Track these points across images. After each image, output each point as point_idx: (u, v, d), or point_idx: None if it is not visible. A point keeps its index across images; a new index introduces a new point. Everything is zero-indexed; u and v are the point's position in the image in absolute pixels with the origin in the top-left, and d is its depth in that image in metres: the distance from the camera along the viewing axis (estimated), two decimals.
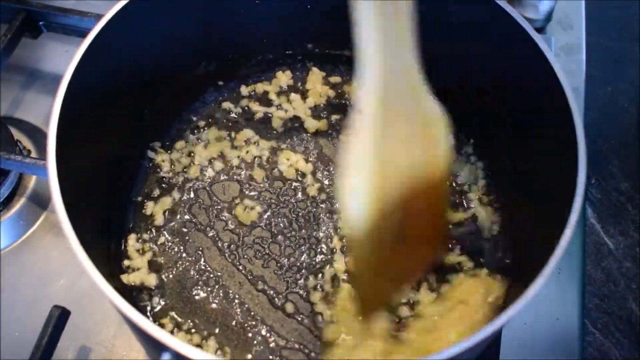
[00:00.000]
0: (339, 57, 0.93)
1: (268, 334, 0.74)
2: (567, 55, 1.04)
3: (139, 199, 0.84)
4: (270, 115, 0.91)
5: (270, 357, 0.73)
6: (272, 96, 0.93)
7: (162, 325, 0.74)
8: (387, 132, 0.59)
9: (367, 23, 0.55)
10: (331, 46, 0.92)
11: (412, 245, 0.69)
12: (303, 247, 0.80)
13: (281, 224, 0.82)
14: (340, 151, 0.59)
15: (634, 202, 1.75)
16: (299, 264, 0.79)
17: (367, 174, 0.59)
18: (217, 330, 0.74)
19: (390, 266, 0.67)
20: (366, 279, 0.68)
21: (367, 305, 0.70)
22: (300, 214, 0.83)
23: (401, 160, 0.62)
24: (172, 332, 0.74)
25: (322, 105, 0.92)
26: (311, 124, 0.90)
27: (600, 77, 1.88)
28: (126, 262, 0.78)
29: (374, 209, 0.61)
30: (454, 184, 0.85)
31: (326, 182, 0.85)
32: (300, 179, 0.86)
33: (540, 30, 1.05)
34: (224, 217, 0.83)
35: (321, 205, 0.83)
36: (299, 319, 0.75)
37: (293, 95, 0.93)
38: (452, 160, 0.67)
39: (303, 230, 0.82)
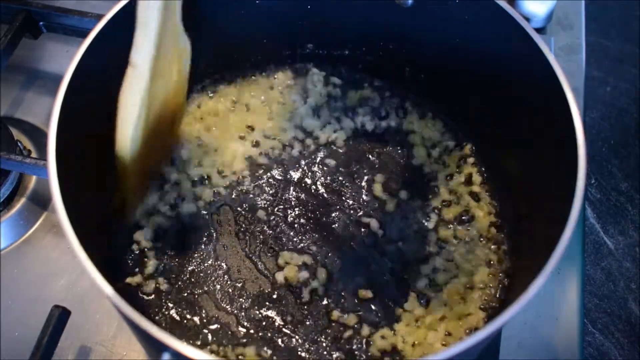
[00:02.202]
0: (339, 57, 0.93)
1: (268, 342, 0.74)
2: (567, 55, 1.04)
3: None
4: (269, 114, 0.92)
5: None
6: (273, 95, 0.93)
7: (162, 325, 0.74)
8: (156, 76, 0.70)
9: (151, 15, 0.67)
10: (331, 46, 0.92)
11: (163, 135, 0.82)
12: (314, 235, 0.81)
13: (288, 217, 0.83)
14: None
15: (633, 202, 1.75)
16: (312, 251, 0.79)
17: (141, 118, 0.70)
18: (217, 330, 0.75)
19: (146, 159, 0.78)
20: (133, 179, 0.78)
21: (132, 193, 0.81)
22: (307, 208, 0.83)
23: (162, 88, 0.74)
24: (172, 332, 0.74)
25: (322, 105, 0.92)
26: (312, 124, 0.90)
27: (600, 77, 1.88)
28: (126, 262, 0.78)
29: (143, 137, 0.73)
30: (451, 183, 0.85)
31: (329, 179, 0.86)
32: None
33: (540, 30, 1.05)
34: (227, 214, 0.83)
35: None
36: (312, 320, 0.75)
37: (293, 96, 0.93)
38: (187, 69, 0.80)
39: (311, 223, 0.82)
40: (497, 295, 0.76)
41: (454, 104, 0.88)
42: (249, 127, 0.90)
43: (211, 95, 0.92)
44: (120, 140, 0.71)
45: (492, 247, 0.80)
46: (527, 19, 0.77)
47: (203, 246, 0.81)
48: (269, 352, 0.73)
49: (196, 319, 0.75)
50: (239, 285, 0.78)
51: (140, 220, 0.81)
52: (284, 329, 0.75)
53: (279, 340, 0.74)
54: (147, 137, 0.74)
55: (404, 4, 0.79)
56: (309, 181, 0.86)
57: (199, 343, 0.73)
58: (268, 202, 0.84)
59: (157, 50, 0.68)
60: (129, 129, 0.70)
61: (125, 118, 0.70)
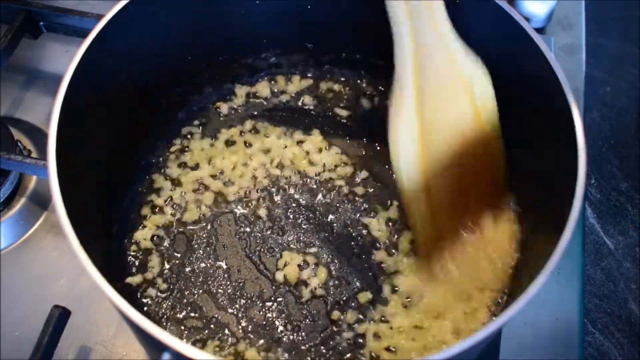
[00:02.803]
0: (338, 58, 0.93)
1: (268, 341, 0.74)
2: (567, 55, 1.04)
3: (140, 198, 0.84)
4: (269, 114, 0.92)
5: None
6: (273, 95, 0.93)
7: (162, 325, 0.74)
8: (428, 95, 0.63)
9: None
10: (331, 47, 0.92)
11: (471, 195, 0.73)
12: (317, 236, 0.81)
13: (289, 217, 0.82)
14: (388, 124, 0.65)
15: (633, 202, 1.75)
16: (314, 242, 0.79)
17: (414, 138, 0.64)
18: (217, 330, 0.75)
19: (449, 215, 0.72)
20: (426, 230, 0.72)
21: (429, 250, 0.74)
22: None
23: (447, 119, 0.66)
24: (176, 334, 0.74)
25: (322, 104, 0.92)
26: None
27: (600, 77, 1.88)
28: (127, 262, 0.78)
29: (426, 168, 0.66)
30: None
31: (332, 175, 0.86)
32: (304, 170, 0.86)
33: (540, 30, 1.05)
34: (227, 215, 0.83)
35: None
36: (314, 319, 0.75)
37: (293, 95, 0.93)
38: (497, 113, 0.70)
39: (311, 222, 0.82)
40: (497, 295, 0.76)
41: None
42: None
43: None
44: (394, 157, 0.67)
45: (492, 247, 0.80)
46: (527, 19, 0.77)
47: (203, 246, 0.81)
48: (269, 351, 0.73)
49: (196, 319, 0.75)
50: (239, 285, 0.78)
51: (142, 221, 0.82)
52: (284, 329, 0.75)
53: (279, 340, 0.74)
54: (437, 171, 0.68)
55: None
56: (309, 181, 0.86)
57: (199, 343, 0.74)
58: (268, 203, 0.84)
59: (419, 61, 0.63)
60: (399, 143, 0.66)
61: (396, 133, 0.65)
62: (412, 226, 0.75)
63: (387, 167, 0.87)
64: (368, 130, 0.90)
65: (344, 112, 0.92)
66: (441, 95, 0.66)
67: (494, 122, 0.71)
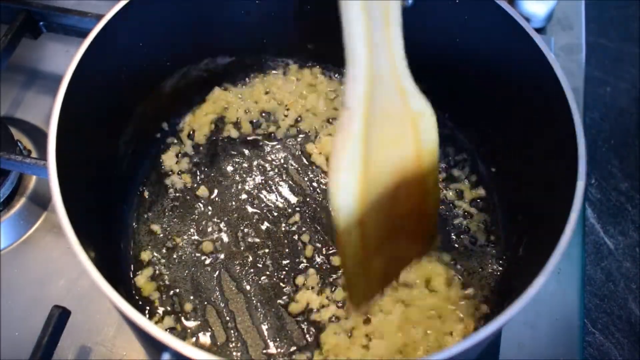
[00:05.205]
0: (339, 59, 0.93)
1: (267, 341, 0.74)
2: (567, 55, 1.04)
3: (140, 198, 0.84)
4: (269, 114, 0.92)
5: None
6: (272, 95, 0.93)
7: (161, 324, 0.75)
8: (375, 129, 0.60)
9: (353, 17, 0.58)
10: (331, 47, 0.92)
11: (402, 235, 0.72)
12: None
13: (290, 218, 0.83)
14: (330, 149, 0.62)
15: (633, 202, 1.75)
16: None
17: (355, 171, 0.61)
18: (214, 330, 0.75)
19: (380, 257, 0.70)
20: (357, 271, 0.70)
21: (360, 294, 0.73)
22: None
23: (389, 155, 0.64)
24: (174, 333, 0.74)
25: (321, 104, 0.92)
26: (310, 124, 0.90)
27: (600, 77, 1.88)
28: (127, 262, 0.78)
29: (363, 204, 0.63)
30: (449, 183, 0.85)
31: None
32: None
33: (540, 30, 1.05)
34: (227, 214, 0.83)
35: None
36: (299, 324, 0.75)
37: (292, 95, 0.93)
38: (438, 155, 0.70)
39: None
40: (496, 295, 0.76)
41: (454, 104, 0.88)
42: None
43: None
44: (332, 189, 0.61)
45: (491, 246, 0.80)
46: (527, 19, 0.77)
47: (204, 246, 0.81)
48: (270, 350, 0.73)
49: (196, 318, 0.75)
50: (240, 285, 0.78)
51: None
52: (283, 332, 0.75)
53: (278, 343, 0.74)
54: (373, 208, 0.65)
55: (404, 4, 0.79)
56: (307, 181, 0.86)
57: (198, 343, 0.74)
58: (268, 201, 0.84)
59: (372, 94, 0.59)
60: (340, 174, 0.60)
61: (338, 163, 0.60)
62: (342, 266, 0.74)
63: None
64: None
65: None
66: (387, 129, 0.62)
67: (434, 163, 0.70)
